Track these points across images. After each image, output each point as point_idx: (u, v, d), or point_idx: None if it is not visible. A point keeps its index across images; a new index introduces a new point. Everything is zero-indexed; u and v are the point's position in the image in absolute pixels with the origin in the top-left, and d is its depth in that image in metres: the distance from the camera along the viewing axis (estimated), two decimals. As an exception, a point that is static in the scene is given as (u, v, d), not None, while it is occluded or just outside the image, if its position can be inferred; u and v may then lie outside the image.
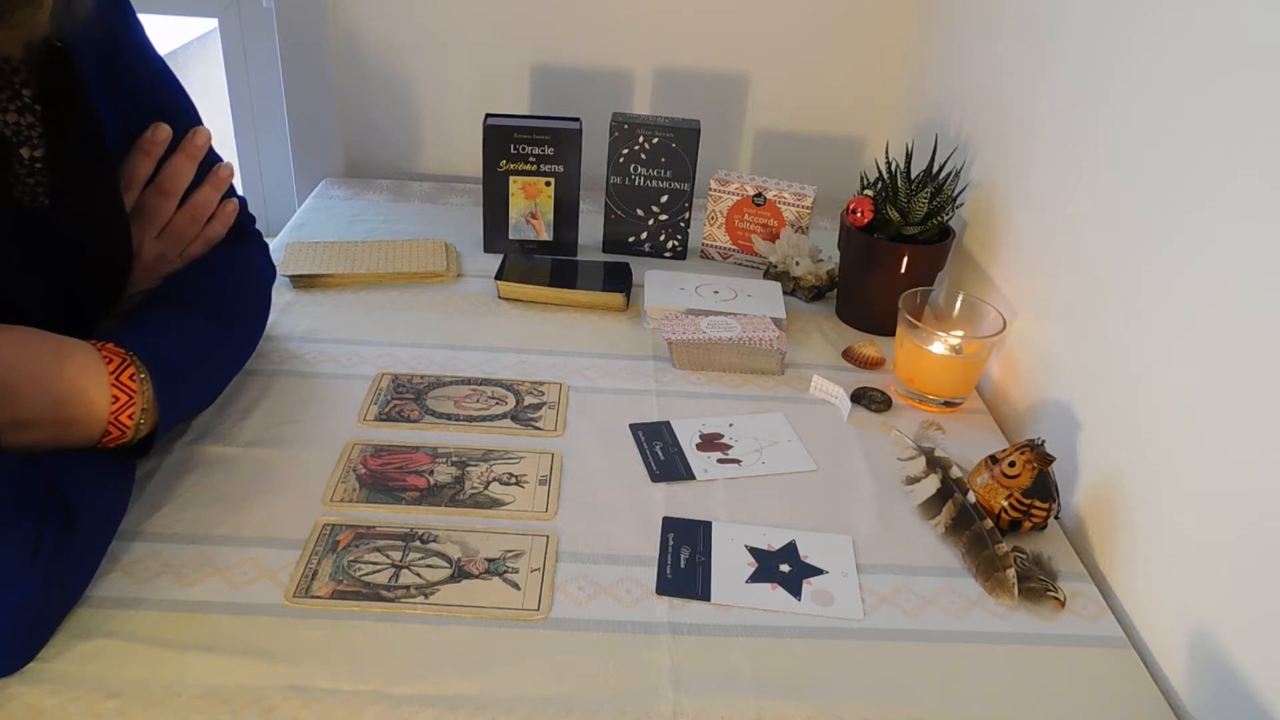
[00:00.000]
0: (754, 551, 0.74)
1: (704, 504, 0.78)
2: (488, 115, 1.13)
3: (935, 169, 1.03)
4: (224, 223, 0.83)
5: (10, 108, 0.64)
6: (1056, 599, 0.71)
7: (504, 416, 0.87)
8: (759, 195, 1.16)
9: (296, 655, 0.61)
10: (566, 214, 1.16)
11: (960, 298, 0.97)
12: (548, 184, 1.14)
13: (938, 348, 0.92)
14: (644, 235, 1.20)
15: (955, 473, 0.79)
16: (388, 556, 0.69)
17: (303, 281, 1.06)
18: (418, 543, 0.71)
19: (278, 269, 0.95)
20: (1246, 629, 0.61)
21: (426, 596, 0.66)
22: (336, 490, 0.76)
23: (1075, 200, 0.87)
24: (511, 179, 1.14)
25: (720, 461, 0.83)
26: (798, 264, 1.13)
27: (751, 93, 1.39)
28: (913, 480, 0.81)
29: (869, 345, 1.02)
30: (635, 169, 1.15)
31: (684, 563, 0.72)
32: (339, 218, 1.25)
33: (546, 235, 1.17)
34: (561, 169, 1.13)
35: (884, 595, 0.71)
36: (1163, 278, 0.73)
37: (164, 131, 0.76)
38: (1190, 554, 0.67)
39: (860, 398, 0.93)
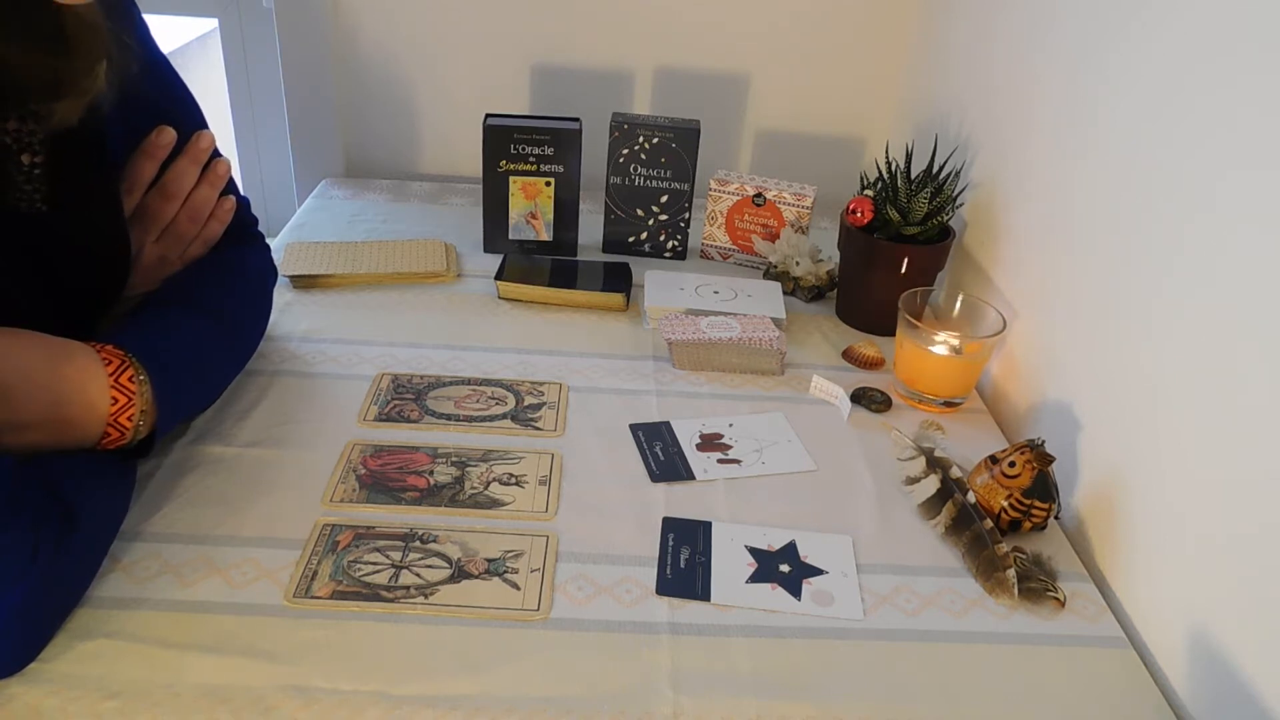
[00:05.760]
0: (754, 551, 0.74)
1: (704, 504, 0.78)
2: (488, 115, 1.13)
3: (935, 169, 1.03)
4: (222, 220, 0.82)
5: (12, 114, 0.64)
6: (1056, 599, 0.71)
7: (504, 416, 0.87)
8: (759, 195, 1.16)
9: (296, 655, 0.61)
10: (566, 214, 1.16)
11: (960, 298, 0.97)
12: (548, 184, 1.14)
13: (938, 348, 0.92)
14: (644, 235, 1.20)
15: (955, 473, 0.79)
16: (388, 557, 0.69)
17: (303, 281, 1.06)
18: (418, 543, 0.71)
19: (278, 269, 0.95)
20: (1247, 629, 0.61)
21: (426, 596, 0.66)
22: (336, 490, 0.76)
23: (1075, 200, 0.87)
24: (511, 179, 1.14)
25: (720, 461, 0.83)
26: (798, 264, 1.13)
27: (751, 93, 1.39)
28: (913, 480, 0.81)
29: (869, 345, 1.02)
30: (635, 169, 1.15)
31: (684, 563, 0.72)
32: (339, 218, 1.25)
33: (546, 235, 1.17)
34: (561, 169, 1.13)
35: (884, 595, 0.71)
36: (1163, 277, 0.73)
37: (168, 135, 0.76)
38: (1190, 554, 0.67)
39: (860, 398, 0.93)
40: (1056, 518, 0.79)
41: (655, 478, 0.81)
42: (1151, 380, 0.73)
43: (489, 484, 0.78)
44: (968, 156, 1.10)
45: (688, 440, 0.86)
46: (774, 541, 0.75)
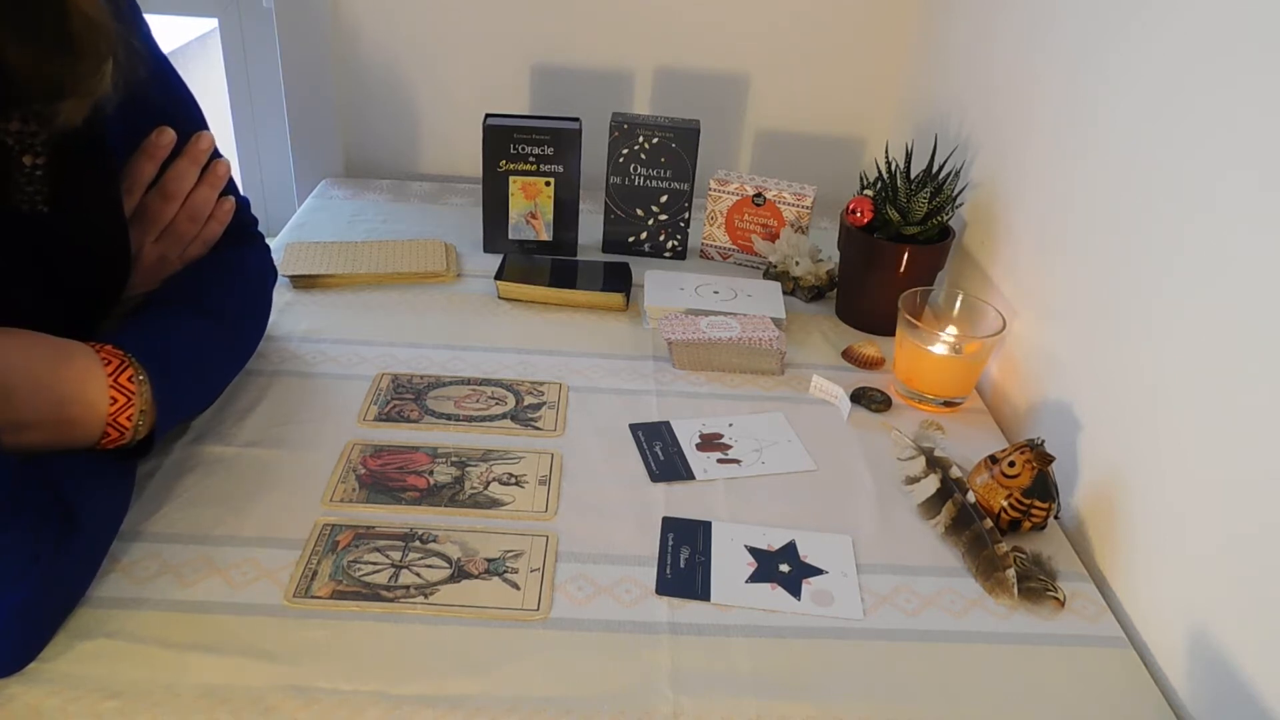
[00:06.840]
0: (754, 551, 0.74)
1: (704, 504, 0.78)
2: (487, 115, 1.13)
3: (935, 169, 1.03)
4: (221, 221, 0.82)
5: (14, 115, 0.64)
6: (1056, 599, 0.71)
7: (504, 416, 0.87)
8: (759, 195, 1.16)
9: (296, 655, 0.61)
10: (566, 214, 1.16)
11: (960, 298, 0.97)
12: (547, 184, 1.14)
13: (938, 348, 0.92)
14: (644, 235, 1.20)
15: (955, 473, 0.79)
16: (387, 556, 0.69)
17: (303, 281, 1.06)
18: (417, 543, 0.71)
19: (278, 269, 0.95)
20: (1247, 629, 0.61)
21: (426, 596, 0.66)
22: (336, 490, 0.76)
23: (1075, 200, 0.87)
24: (511, 179, 1.14)
25: (720, 461, 0.83)
26: (798, 264, 1.13)
27: (751, 93, 1.39)
28: (912, 480, 0.81)
29: (869, 345, 1.02)
30: (635, 169, 1.15)
31: (684, 563, 0.72)
32: (339, 218, 1.25)
33: (546, 235, 1.17)
34: (561, 169, 1.13)
35: (884, 595, 0.71)
36: (1162, 277, 0.73)
37: (168, 136, 0.76)
38: (1190, 553, 0.67)
39: (860, 398, 0.93)
40: (1056, 517, 0.79)
41: (655, 478, 0.81)
42: (1151, 380, 0.73)
43: (489, 484, 0.78)
44: (968, 156, 1.10)
45: (688, 440, 0.86)
46: (774, 541, 0.75)
